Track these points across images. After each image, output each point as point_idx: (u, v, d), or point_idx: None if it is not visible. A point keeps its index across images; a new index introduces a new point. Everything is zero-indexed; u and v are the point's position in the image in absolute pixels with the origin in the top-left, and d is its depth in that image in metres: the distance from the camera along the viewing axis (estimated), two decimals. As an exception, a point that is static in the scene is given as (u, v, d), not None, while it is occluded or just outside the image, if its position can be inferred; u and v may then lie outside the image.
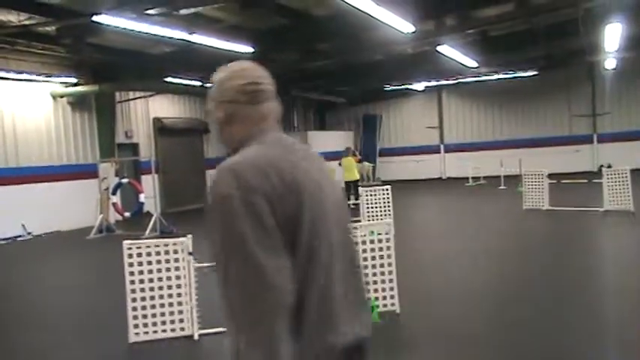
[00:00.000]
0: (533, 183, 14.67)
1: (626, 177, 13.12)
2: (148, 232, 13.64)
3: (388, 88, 26.52)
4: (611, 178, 13.34)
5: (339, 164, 17.88)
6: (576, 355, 5.05)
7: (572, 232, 11.68)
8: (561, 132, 26.78)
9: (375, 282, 6.31)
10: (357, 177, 17.45)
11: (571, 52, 21.58)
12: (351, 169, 17.13)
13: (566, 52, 21.62)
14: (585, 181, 15.13)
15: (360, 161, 18.65)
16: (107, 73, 16.57)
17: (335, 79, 22.90)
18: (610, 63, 22.49)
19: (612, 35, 16.09)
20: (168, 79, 18.01)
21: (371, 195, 12.15)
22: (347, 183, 16.76)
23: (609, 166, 18.35)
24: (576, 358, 4.98)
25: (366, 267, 6.27)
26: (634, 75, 24.66)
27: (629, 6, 14.39)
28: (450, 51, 17.44)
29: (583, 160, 26.07)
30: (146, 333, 5.93)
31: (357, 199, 14.19)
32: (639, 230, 11.60)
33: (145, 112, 19.90)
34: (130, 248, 5.92)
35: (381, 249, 6.34)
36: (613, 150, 25.38)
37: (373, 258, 6.33)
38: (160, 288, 5.95)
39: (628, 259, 9.16)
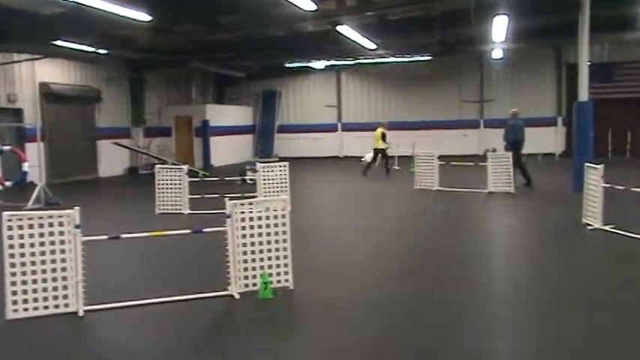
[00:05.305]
0: (425, 164, 15.34)
1: (508, 161, 14.22)
2: (31, 203, 12.97)
3: (288, 64, 26.47)
4: (495, 161, 14.32)
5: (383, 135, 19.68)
6: (465, 326, 5.36)
7: (459, 211, 12.37)
8: (452, 116, 27.96)
9: (269, 258, 6.36)
10: (383, 146, 19.76)
11: (463, 40, 22.46)
12: (377, 138, 19.62)
13: (459, 39, 22.49)
14: (472, 164, 15.96)
15: (383, 136, 19.75)
16: (-12, 31, 15.36)
17: (236, 53, 22.53)
18: (497, 53, 23.68)
19: (499, 27, 16.90)
20: (58, 43, 16.93)
21: (268, 171, 12.16)
22: (375, 150, 19.83)
23: (494, 151, 19.46)
24: (465, 329, 5.28)
25: (261, 243, 6.32)
26: (517, 65, 26.10)
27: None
28: (349, 31, 17.64)
29: (471, 143, 27.41)
30: (26, 310, 5.67)
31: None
32: (517, 210, 12.51)
33: (31, 76, 18.68)
34: (10, 220, 5.60)
35: (276, 225, 6.39)
36: (497, 135, 26.75)
37: (268, 234, 6.36)
38: (43, 262, 5.70)
39: (507, 236, 9.89)
